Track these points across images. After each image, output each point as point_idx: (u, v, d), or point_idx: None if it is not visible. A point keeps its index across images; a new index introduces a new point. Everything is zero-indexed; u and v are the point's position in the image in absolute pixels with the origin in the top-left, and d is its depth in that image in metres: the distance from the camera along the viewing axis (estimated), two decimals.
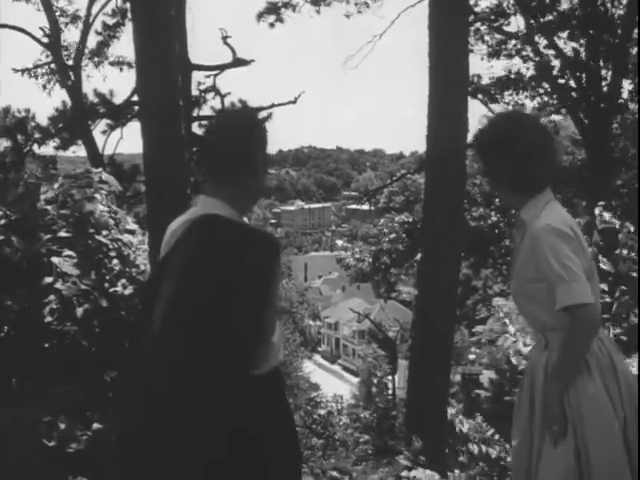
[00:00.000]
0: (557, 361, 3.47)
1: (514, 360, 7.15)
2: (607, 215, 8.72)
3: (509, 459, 6.91)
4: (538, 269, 3.44)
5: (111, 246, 7.18)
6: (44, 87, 23.15)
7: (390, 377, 33.33)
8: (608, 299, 8.23)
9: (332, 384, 47.26)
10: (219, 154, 3.15)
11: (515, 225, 3.82)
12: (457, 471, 7.33)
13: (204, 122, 21.84)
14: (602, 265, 8.21)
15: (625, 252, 8.53)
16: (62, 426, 6.05)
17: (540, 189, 3.61)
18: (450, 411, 9.83)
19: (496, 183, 3.72)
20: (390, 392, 31.81)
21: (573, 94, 22.26)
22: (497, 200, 25.36)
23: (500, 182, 3.68)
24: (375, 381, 34.88)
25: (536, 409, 3.56)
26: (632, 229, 8.49)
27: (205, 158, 3.22)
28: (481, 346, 9.89)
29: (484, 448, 7.29)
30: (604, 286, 8.15)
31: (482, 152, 3.72)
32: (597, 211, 8.87)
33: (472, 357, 11.72)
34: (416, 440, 8.12)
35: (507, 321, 7.60)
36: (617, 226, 8.53)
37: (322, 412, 27.26)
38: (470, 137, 10.92)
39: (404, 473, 7.33)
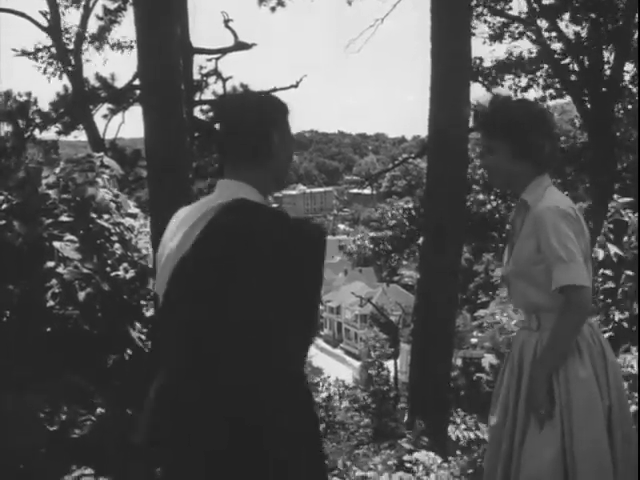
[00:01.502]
0: (547, 343, 3.46)
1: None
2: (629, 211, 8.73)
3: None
4: (539, 250, 3.44)
5: (113, 230, 7.19)
6: (44, 71, 23.11)
7: (392, 361, 33.39)
8: (613, 285, 8.24)
9: (334, 368, 47.35)
10: (237, 135, 2.99)
11: (515, 209, 3.80)
12: (459, 452, 7.37)
13: (205, 106, 21.82)
14: (611, 250, 8.22)
15: (632, 239, 8.56)
16: (64, 416, 6.07)
17: (542, 171, 3.62)
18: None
19: (507, 160, 3.63)
20: (392, 375, 31.88)
21: (574, 77, 22.21)
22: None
23: (516, 158, 3.62)
24: (369, 361, 34.97)
25: (522, 390, 3.56)
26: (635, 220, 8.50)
27: (222, 139, 3.05)
28: (483, 330, 9.92)
29: (480, 435, 7.32)
30: (608, 272, 8.16)
31: (506, 127, 3.62)
32: (614, 204, 8.85)
33: (474, 341, 11.76)
34: (419, 423, 8.14)
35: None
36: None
37: (323, 395, 27.33)
38: (472, 120, 10.91)
39: (406, 457, 7.36)
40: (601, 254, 8.34)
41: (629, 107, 21.54)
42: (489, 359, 9.78)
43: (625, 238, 8.67)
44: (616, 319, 7.77)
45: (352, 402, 28.76)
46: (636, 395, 6.31)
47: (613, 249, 8.23)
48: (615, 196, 8.95)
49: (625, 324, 7.73)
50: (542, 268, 3.45)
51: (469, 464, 7.12)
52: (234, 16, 20.42)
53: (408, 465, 7.18)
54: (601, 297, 7.95)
